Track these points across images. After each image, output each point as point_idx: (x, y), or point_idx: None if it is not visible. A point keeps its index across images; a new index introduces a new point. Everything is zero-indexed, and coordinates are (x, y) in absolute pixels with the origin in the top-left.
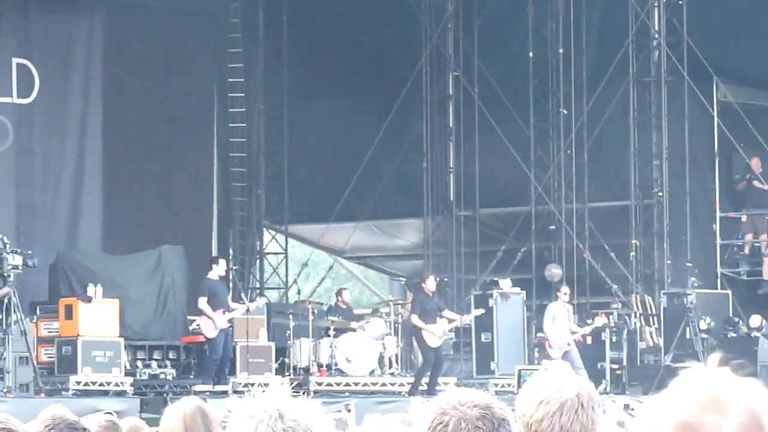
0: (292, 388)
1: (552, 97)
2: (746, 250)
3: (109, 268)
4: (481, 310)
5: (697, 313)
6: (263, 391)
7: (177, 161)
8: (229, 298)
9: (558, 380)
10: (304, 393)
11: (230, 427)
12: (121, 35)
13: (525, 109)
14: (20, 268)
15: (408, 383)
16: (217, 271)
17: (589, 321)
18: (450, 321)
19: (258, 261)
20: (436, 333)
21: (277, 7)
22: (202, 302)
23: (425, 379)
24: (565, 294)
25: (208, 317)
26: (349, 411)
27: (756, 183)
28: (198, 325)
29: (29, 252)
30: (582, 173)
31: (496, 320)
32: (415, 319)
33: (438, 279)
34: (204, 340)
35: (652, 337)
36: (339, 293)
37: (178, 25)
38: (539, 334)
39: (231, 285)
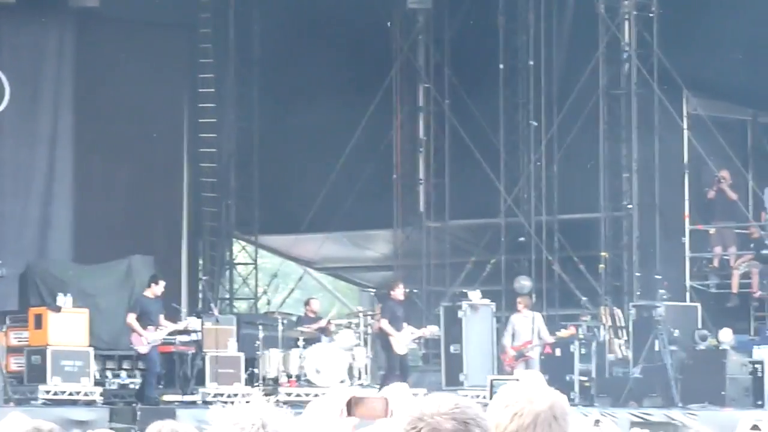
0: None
1: (522, 109)
2: (715, 263)
3: (79, 277)
4: (437, 328)
5: (666, 326)
6: (246, 402)
7: (147, 171)
8: (162, 317)
9: (530, 392)
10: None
11: None
12: (91, 45)
13: (495, 121)
14: None
15: None
16: (154, 290)
17: (557, 333)
18: (412, 333)
19: (228, 271)
20: (403, 340)
21: (248, 17)
22: (131, 318)
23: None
24: (521, 304)
25: (137, 333)
26: None
27: (726, 189)
28: (130, 341)
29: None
30: (552, 185)
31: (466, 332)
32: (385, 324)
33: (407, 290)
34: (172, 351)
35: (620, 350)
36: (307, 302)
37: (149, 36)
38: (501, 346)
39: (201, 295)
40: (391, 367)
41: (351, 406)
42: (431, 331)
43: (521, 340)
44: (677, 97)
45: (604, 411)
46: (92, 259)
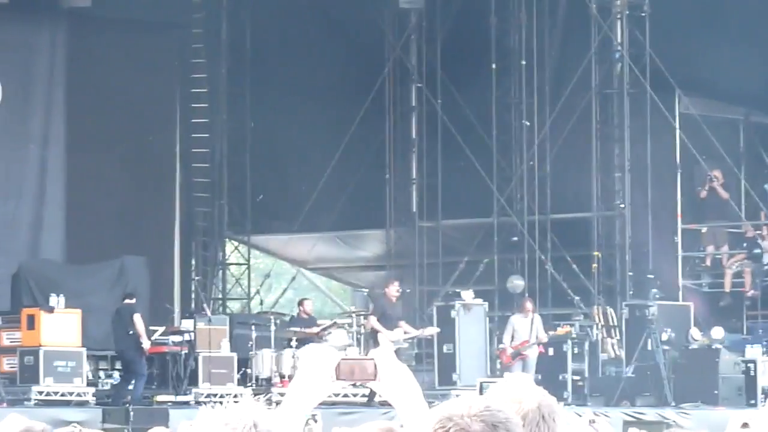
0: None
1: (515, 109)
2: (708, 262)
3: (72, 278)
4: (436, 329)
5: (659, 325)
6: (236, 402)
7: (139, 171)
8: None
9: (518, 392)
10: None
11: None
12: (83, 45)
13: (488, 121)
14: None
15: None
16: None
17: (553, 331)
18: (405, 332)
19: (220, 272)
20: (392, 338)
21: (241, 18)
22: (138, 318)
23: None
24: (528, 309)
25: (141, 335)
26: (315, 421)
27: (718, 188)
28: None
29: None
30: (544, 185)
31: (459, 331)
32: (373, 321)
33: (400, 289)
34: (165, 351)
35: (613, 349)
36: (301, 303)
37: (141, 36)
38: (500, 345)
39: (193, 296)
40: None
41: (340, 369)
42: (429, 332)
43: (519, 339)
44: (669, 96)
45: (597, 410)
46: (85, 260)
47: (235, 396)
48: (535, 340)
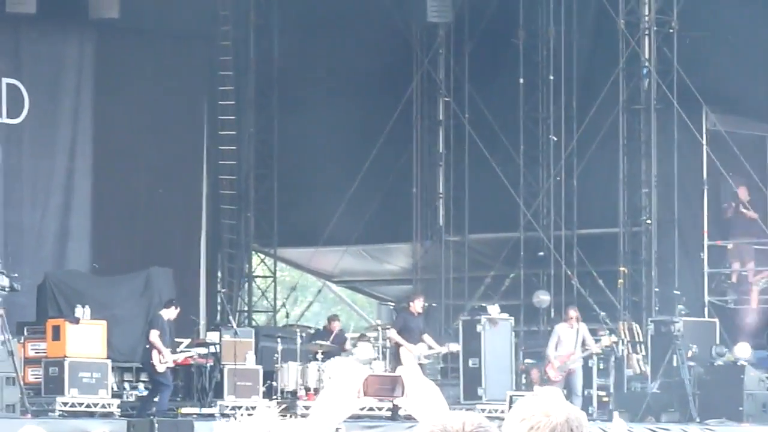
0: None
1: (542, 124)
2: (734, 279)
3: (97, 289)
4: (458, 346)
5: (685, 341)
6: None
7: (166, 183)
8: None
9: (547, 405)
10: (291, 416)
11: None
12: (111, 57)
13: (515, 135)
14: (6, 290)
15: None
16: (172, 313)
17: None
18: (429, 348)
19: (246, 284)
20: (414, 352)
21: (268, 30)
22: (155, 335)
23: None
24: (572, 318)
25: (159, 351)
26: None
27: (743, 210)
28: (150, 357)
29: (15, 275)
30: (571, 200)
31: (484, 346)
32: (393, 333)
33: (426, 304)
34: (191, 363)
35: (639, 365)
36: (330, 321)
37: (169, 48)
38: (527, 360)
39: (219, 308)
40: None
41: (367, 384)
42: (451, 348)
43: (565, 351)
44: (697, 112)
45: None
46: (110, 271)
47: (248, 409)
48: (585, 352)
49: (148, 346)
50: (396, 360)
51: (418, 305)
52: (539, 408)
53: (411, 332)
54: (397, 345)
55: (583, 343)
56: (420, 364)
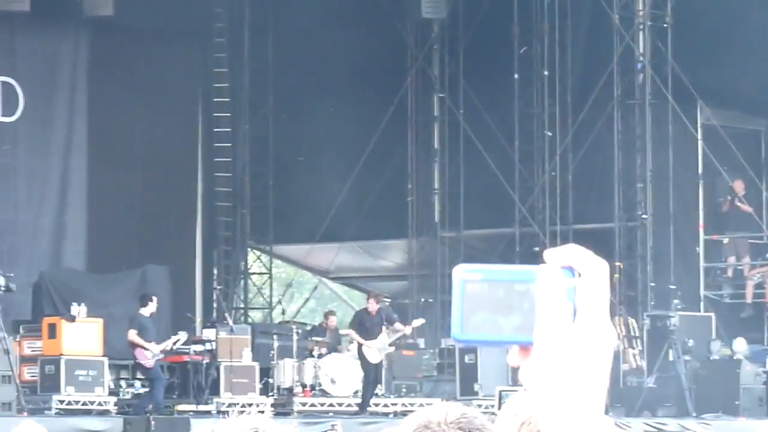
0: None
1: (537, 119)
2: (729, 273)
3: (93, 287)
4: (422, 320)
5: (680, 336)
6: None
7: (162, 181)
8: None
9: None
10: (288, 413)
11: None
12: (106, 54)
13: (510, 131)
14: (2, 289)
15: (392, 404)
16: (150, 308)
17: None
18: (395, 332)
19: (242, 281)
20: (373, 346)
21: (263, 27)
22: (132, 334)
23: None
24: None
25: (141, 347)
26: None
27: (739, 204)
28: (134, 356)
29: (11, 274)
30: (566, 195)
31: None
32: (351, 333)
33: (379, 304)
34: (186, 360)
35: (635, 359)
36: (326, 317)
37: (164, 45)
38: None
39: (215, 305)
40: (366, 377)
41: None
42: (414, 325)
43: None
44: (691, 107)
45: (618, 421)
46: (106, 269)
47: (243, 407)
48: None
49: (131, 348)
50: (361, 359)
51: (371, 306)
52: (531, 403)
53: (367, 330)
54: (359, 344)
55: None
56: (387, 354)
